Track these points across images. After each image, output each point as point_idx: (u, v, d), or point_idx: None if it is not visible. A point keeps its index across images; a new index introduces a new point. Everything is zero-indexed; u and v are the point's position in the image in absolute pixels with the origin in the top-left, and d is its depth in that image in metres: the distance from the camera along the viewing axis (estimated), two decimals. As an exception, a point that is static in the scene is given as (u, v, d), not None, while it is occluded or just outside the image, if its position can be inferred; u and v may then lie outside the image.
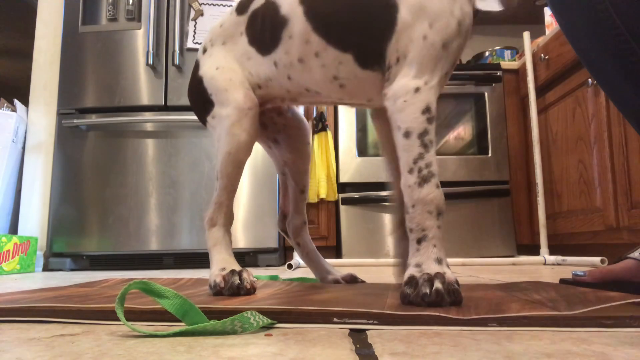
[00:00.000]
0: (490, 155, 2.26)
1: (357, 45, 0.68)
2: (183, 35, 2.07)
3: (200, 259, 1.99)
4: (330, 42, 0.69)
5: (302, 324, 0.50)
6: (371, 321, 0.49)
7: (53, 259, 1.96)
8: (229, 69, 0.78)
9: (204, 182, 2.00)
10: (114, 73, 2.06)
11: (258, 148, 2.01)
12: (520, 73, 2.32)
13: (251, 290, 0.69)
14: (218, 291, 0.69)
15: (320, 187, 2.20)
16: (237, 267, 0.72)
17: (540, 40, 2.15)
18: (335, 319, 0.50)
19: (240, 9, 0.81)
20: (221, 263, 0.74)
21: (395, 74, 0.64)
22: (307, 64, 0.72)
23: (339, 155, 2.27)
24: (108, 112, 2.04)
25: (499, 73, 2.32)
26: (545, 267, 1.72)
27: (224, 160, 0.76)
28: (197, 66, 0.83)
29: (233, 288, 0.68)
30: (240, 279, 0.69)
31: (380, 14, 0.64)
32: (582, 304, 0.51)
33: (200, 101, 0.81)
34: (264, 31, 0.76)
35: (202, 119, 0.83)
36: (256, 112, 0.77)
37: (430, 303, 0.54)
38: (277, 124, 0.90)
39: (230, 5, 2.11)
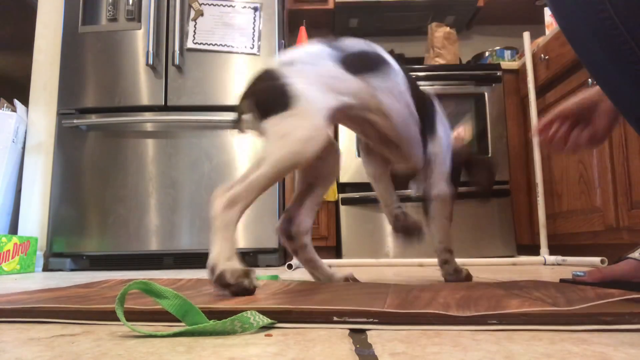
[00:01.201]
0: (490, 155, 2.26)
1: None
2: (183, 35, 2.07)
3: (200, 259, 1.99)
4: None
5: (302, 324, 0.50)
6: (371, 319, 0.49)
7: (53, 259, 1.95)
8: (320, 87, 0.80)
9: (204, 182, 2.00)
10: (114, 73, 2.06)
11: (259, 150, 2.01)
12: (520, 73, 2.32)
13: (252, 292, 0.68)
14: (222, 283, 0.68)
15: (320, 187, 2.19)
16: (242, 266, 0.72)
17: (540, 41, 2.15)
18: (335, 318, 0.50)
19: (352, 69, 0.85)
20: (228, 252, 0.74)
21: None
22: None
23: (339, 156, 2.26)
24: (108, 112, 2.04)
25: (499, 73, 2.32)
26: (545, 267, 1.72)
27: (285, 157, 0.75)
28: (277, 74, 0.81)
29: (240, 289, 0.67)
30: (249, 281, 0.69)
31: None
32: (581, 300, 0.51)
33: (275, 97, 0.79)
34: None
35: (266, 113, 0.79)
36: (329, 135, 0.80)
37: None
38: None
39: (231, 6, 2.11)
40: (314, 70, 0.82)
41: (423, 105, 0.94)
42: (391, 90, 0.87)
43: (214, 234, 0.76)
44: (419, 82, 2.33)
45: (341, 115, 0.86)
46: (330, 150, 0.92)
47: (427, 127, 0.94)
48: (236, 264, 0.72)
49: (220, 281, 0.68)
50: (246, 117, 0.84)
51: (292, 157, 0.75)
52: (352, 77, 0.83)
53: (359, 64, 0.85)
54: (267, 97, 0.81)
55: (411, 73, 2.32)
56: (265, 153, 0.77)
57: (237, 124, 0.86)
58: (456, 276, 0.98)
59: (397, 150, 0.92)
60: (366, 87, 0.85)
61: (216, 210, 0.78)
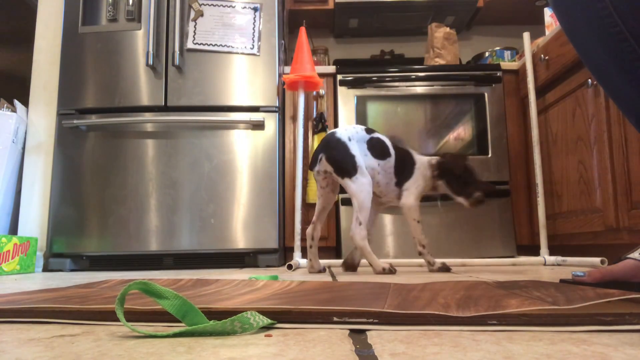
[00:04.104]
0: (490, 155, 2.26)
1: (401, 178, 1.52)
2: (183, 35, 2.07)
3: (200, 260, 1.99)
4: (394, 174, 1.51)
5: (302, 324, 0.50)
6: (371, 320, 0.49)
7: (53, 260, 1.95)
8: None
9: (203, 183, 2.00)
10: (114, 73, 2.06)
11: (259, 150, 2.01)
12: (520, 73, 2.32)
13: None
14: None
15: (320, 187, 2.19)
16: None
17: (540, 41, 2.15)
18: (335, 318, 0.50)
19: (368, 131, 1.49)
20: (377, 260, 1.38)
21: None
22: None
23: (338, 156, 2.26)
24: (108, 112, 2.04)
25: (498, 73, 2.32)
26: (545, 267, 1.72)
27: (367, 200, 1.39)
28: (347, 146, 1.41)
29: (393, 271, 1.36)
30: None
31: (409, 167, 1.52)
32: (581, 299, 0.51)
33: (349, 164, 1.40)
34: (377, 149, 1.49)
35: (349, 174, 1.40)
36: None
37: None
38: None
39: (231, 6, 2.11)
40: (358, 149, 1.42)
41: (403, 162, 1.51)
42: (385, 169, 1.48)
43: (368, 254, 1.38)
44: (419, 83, 2.33)
45: None
46: (335, 187, 1.50)
47: (404, 176, 1.50)
48: (385, 264, 1.38)
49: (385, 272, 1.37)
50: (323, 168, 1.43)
51: (370, 200, 1.39)
52: (374, 159, 1.46)
53: (378, 151, 1.46)
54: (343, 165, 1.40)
55: (410, 73, 2.32)
56: (360, 201, 1.37)
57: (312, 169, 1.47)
58: (431, 267, 1.50)
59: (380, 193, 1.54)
60: (377, 166, 1.46)
61: (360, 242, 1.36)
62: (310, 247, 1.49)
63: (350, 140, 1.43)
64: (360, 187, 1.38)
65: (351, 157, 1.40)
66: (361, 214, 1.37)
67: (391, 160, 1.49)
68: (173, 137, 2.03)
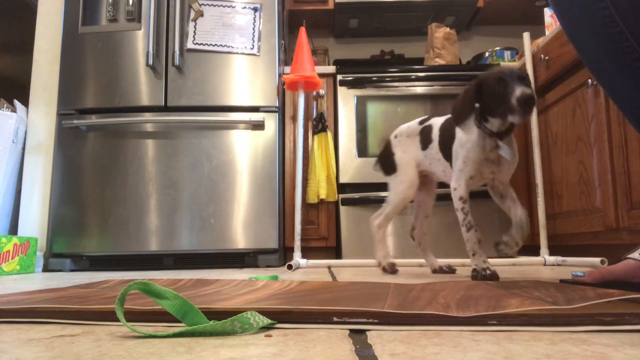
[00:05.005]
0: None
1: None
2: (183, 35, 2.07)
3: (200, 260, 1.99)
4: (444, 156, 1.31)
5: (302, 324, 0.50)
6: (371, 320, 0.49)
7: (53, 260, 1.95)
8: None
9: (203, 183, 2.00)
10: (114, 74, 2.06)
11: (259, 150, 2.01)
12: (520, 73, 2.32)
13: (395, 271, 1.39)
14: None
15: (320, 187, 2.19)
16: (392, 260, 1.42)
17: (540, 41, 2.15)
18: (335, 319, 0.50)
19: (421, 122, 1.39)
20: (385, 253, 1.42)
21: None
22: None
23: (338, 156, 2.27)
24: (108, 112, 2.04)
25: (498, 73, 2.32)
26: (545, 267, 1.72)
27: (399, 199, 1.37)
28: (389, 144, 1.42)
29: (392, 272, 1.40)
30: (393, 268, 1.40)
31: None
32: (581, 299, 0.51)
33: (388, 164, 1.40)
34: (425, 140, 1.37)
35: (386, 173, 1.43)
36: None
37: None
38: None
39: (231, 6, 2.11)
40: (407, 145, 1.38)
41: (446, 141, 1.30)
42: (433, 156, 1.34)
43: (376, 243, 1.42)
44: (419, 83, 2.33)
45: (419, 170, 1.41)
46: (426, 184, 1.42)
47: (450, 157, 1.32)
48: (390, 259, 1.41)
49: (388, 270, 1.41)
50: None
51: (403, 199, 1.37)
52: (421, 151, 1.36)
53: (424, 140, 1.36)
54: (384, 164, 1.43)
55: (410, 73, 2.32)
56: (390, 197, 1.39)
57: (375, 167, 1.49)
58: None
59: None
60: (423, 158, 1.36)
61: (373, 229, 1.41)
62: (420, 244, 1.46)
63: (395, 137, 1.41)
64: (394, 184, 1.39)
65: (390, 156, 1.40)
66: (387, 207, 1.40)
67: (434, 146, 1.32)
68: (173, 137, 2.03)
